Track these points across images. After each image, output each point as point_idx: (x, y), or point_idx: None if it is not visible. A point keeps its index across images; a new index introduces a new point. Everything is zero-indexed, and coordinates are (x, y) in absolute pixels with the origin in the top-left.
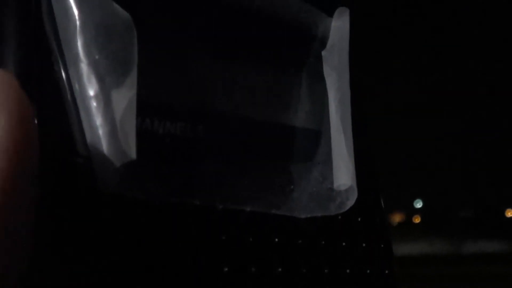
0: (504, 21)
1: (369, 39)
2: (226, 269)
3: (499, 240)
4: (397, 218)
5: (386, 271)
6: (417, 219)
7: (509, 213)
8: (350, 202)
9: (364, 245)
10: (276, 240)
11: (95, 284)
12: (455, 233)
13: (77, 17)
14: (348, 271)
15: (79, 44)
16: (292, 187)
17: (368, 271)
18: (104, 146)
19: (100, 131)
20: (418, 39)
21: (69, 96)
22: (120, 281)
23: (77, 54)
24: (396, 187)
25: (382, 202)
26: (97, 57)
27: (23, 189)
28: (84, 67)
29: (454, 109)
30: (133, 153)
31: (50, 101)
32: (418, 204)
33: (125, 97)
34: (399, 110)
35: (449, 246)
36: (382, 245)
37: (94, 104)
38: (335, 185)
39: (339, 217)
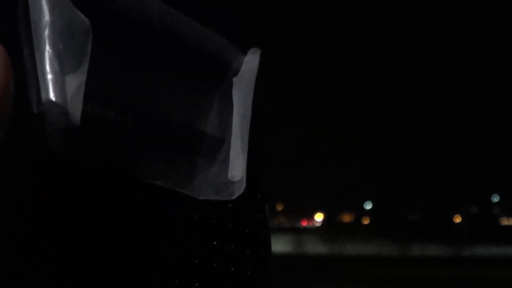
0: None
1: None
2: (140, 225)
3: (446, 245)
4: (346, 218)
5: (263, 254)
6: (366, 220)
7: (456, 219)
8: (239, 192)
9: (247, 230)
10: (178, 211)
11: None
12: (402, 235)
13: (48, 16)
14: (232, 246)
15: (47, 35)
16: (195, 174)
17: (248, 251)
18: (57, 112)
19: (54, 100)
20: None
21: (32, 73)
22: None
23: (44, 43)
24: (347, 187)
25: (266, 202)
26: (60, 47)
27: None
28: (48, 53)
29: (402, 115)
30: (77, 121)
31: (16, 75)
32: (368, 206)
33: (77, 80)
34: (353, 115)
35: (396, 248)
36: (262, 234)
37: (52, 81)
38: (229, 176)
39: (230, 205)
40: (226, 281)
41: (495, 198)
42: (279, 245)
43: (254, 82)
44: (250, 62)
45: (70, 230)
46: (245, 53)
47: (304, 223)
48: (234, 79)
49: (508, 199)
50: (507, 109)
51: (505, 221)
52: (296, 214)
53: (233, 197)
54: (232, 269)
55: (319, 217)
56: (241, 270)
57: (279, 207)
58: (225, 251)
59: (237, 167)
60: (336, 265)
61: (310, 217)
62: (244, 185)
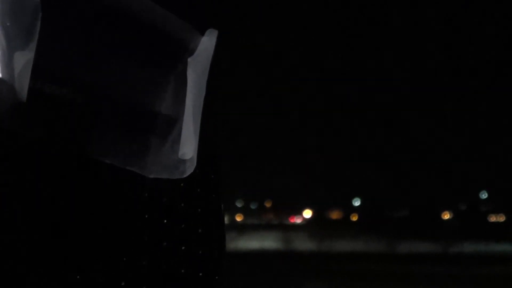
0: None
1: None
2: (89, 202)
3: (434, 241)
4: (335, 215)
5: (215, 234)
6: (354, 217)
7: (445, 216)
8: (190, 170)
9: (199, 210)
10: (128, 189)
11: None
12: (391, 232)
13: None
14: (183, 225)
15: None
16: (146, 153)
17: (200, 231)
18: (3, 89)
19: (1, 77)
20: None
21: None
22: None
23: None
24: (336, 184)
25: (220, 181)
26: (8, 24)
27: None
28: None
29: (391, 111)
30: (24, 96)
31: None
32: (357, 202)
33: (25, 57)
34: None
35: (385, 244)
36: (215, 213)
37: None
38: (180, 154)
39: (182, 184)
40: (176, 260)
41: (483, 195)
42: (268, 241)
43: (209, 62)
44: (206, 42)
45: (17, 207)
46: (202, 34)
47: (292, 220)
48: (189, 59)
49: (496, 196)
50: (496, 106)
51: (493, 218)
52: (285, 210)
53: (184, 176)
54: (183, 248)
55: (307, 213)
56: (192, 250)
57: (268, 204)
58: (175, 230)
59: (188, 146)
60: (324, 261)
61: (299, 213)
62: (195, 164)
